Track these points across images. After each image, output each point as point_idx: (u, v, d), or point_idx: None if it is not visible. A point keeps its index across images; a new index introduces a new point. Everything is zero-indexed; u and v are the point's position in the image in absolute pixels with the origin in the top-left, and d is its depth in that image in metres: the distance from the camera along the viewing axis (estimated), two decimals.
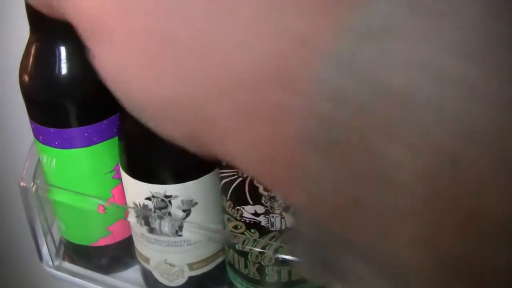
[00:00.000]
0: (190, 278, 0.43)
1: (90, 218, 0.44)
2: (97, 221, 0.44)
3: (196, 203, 0.39)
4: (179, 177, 0.38)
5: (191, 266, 0.42)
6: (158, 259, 0.42)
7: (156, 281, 0.44)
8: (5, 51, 0.57)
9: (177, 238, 0.40)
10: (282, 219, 0.38)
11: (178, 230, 0.39)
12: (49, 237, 0.47)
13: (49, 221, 0.47)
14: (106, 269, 0.47)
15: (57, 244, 0.49)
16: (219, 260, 0.44)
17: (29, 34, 0.39)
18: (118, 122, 0.40)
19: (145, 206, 0.39)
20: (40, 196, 0.44)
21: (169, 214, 0.39)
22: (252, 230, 0.39)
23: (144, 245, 0.42)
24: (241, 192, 0.37)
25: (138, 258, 0.45)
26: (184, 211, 0.39)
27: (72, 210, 0.44)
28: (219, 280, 0.45)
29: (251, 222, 0.38)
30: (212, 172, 0.39)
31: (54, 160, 0.41)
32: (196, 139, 0.16)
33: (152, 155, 0.39)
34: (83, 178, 0.41)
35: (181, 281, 0.43)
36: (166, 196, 0.38)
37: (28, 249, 0.64)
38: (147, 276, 0.45)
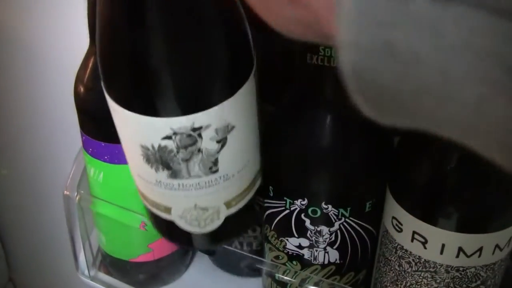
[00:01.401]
0: (227, 218, 0.33)
1: (132, 234, 0.44)
2: (139, 237, 0.44)
3: (233, 127, 0.29)
4: (212, 98, 0.28)
5: (228, 204, 0.33)
6: (184, 206, 0.32)
7: (180, 231, 0.34)
8: (60, 57, 0.58)
9: (211, 176, 0.31)
10: (326, 254, 0.37)
11: (212, 166, 0.30)
12: (87, 247, 0.48)
13: (88, 230, 0.47)
14: (142, 284, 0.47)
15: (94, 254, 0.50)
16: (257, 185, 0.35)
17: (88, 44, 0.39)
18: None
19: (162, 149, 0.29)
20: (83, 207, 0.45)
21: (199, 151, 0.29)
22: (294, 262, 0.38)
23: (161, 193, 0.32)
24: (286, 224, 0.37)
25: (150, 208, 0.34)
26: (218, 141, 0.29)
27: (114, 224, 0.44)
28: (256, 211, 0.37)
29: (294, 254, 0.38)
30: (248, 81, 0.29)
31: (102, 173, 0.41)
32: None
33: (175, 76, 0.27)
34: (129, 194, 0.42)
35: (217, 224, 0.34)
36: (195, 129, 0.28)
37: (63, 256, 0.65)
38: (166, 227, 0.35)
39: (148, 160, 0.30)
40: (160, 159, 0.29)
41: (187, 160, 0.29)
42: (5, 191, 0.76)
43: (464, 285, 0.34)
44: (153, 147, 0.29)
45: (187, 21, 0.25)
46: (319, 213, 0.35)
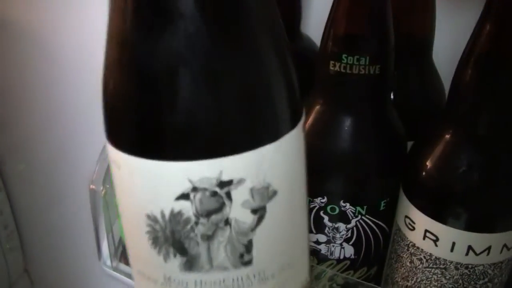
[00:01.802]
0: None
1: None
2: None
3: (274, 193, 0.20)
4: (247, 139, 0.19)
5: None
6: None
7: None
8: (80, 54, 0.60)
9: (242, 271, 0.21)
10: (342, 249, 0.39)
11: (244, 253, 0.21)
12: (110, 239, 0.50)
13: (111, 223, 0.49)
14: None
15: (115, 245, 0.52)
16: None
17: None
18: None
19: (175, 217, 0.20)
20: (107, 200, 0.47)
21: (227, 223, 0.20)
22: (311, 257, 0.40)
23: None
24: None
25: None
26: (254, 211, 0.20)
27: None
28: None
29: (311, 250, 0.40)
30: (295, 128, 0.21)
31: None
32: None
33: (198, 103, 0.18)
34: None
35: None
36: (222, 184, 0.19)
37: (78, 249, 0.66)
38: None
39: (155, 240, 0.21)
40: (171, 236, 0.20)
41: (208, 238, 0.20)
42: (22, 184, 0.78)
43: (472, 282, 0.36)
44: (163, 215, 0.20)
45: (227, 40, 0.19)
46: (337, 210, 0.37)
